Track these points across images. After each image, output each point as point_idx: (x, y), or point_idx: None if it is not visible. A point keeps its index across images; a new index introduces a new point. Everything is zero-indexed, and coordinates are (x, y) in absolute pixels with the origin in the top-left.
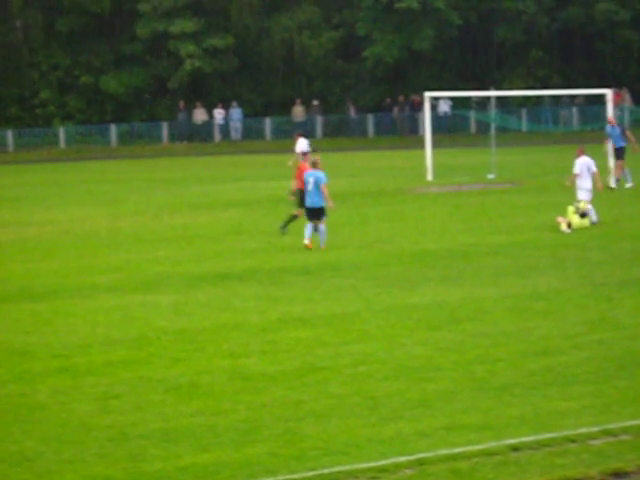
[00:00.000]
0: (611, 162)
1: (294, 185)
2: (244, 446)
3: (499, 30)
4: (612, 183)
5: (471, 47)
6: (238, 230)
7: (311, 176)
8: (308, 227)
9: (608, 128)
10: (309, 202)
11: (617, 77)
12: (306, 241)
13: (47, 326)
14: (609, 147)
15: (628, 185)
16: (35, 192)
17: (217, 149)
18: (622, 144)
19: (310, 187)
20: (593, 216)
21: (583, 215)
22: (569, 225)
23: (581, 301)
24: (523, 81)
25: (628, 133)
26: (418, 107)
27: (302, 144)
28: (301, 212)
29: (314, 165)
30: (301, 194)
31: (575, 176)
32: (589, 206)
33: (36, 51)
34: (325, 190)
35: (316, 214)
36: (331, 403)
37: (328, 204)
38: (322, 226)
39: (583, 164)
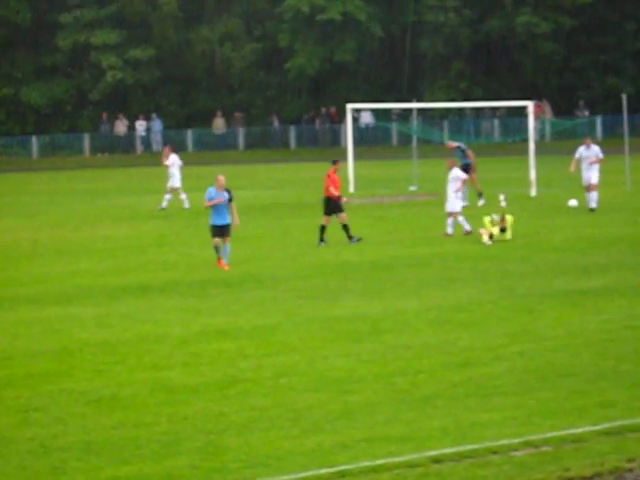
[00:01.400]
0: (532, 174)
1: (325, 192)
2: (166, 459)
3: (421, 42)
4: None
5: (393, 59)
6: (160, 242)
7: (221, 196)
8: (218, 248)
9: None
10: (215, 219)
11: (538, 89)
12: (221, 263)
13: None
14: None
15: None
16: None
17: (139, 161)
18: (467, 161)
19: (218, 206)
20: (450, 229)
21: (502, 230)
22: (491, 237)
23: (503, 313)
24: (445, 93)
25: (469, 153)
26: (337, 119)
27: (173, 158)
28: (327, 220)
29: (220, 185)
30: (327, 202)
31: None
32: (461, 217)
33: None
34: (233, 207)
35: (223, 232)
36: (252, 415)
37: (235, 222)
38: (228, 244)
39: (454, 176)
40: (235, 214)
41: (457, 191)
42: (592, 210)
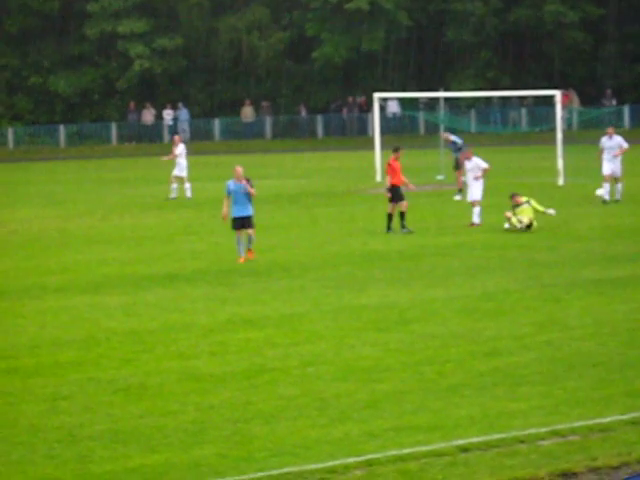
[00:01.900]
0: (560, 163)
1: (387, 182)
2: (193, 447)
3: (448, 31)
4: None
5: (420, 48)
6: (187, 231)
7: (239, 187)
8: (239, 242)
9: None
10: (237, 211)
11: (565, 78)
12: (241, 260)
13: None
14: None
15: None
16: None
17: (166, 150)
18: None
19: (238, 197)
20: (476, 218)
21: (529, 226)
22: (520, 221)
23: (530, 302)
24: (472, 82)
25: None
26: (366, 108)
27: (181, 148)
28: (393, 208)
29: (238, 176)
30: (393, 190)
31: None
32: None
33: None
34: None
35: (244, 223)
36: (280, 404)
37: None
38: (252, 235)
39: (474, 165)
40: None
41: (477, 179)
42: (617, 201)
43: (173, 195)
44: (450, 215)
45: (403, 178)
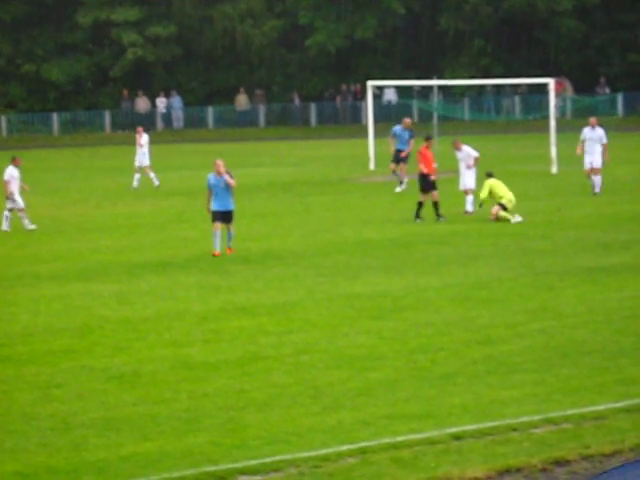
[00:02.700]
0: (553, 151)
1: (421, 169)
2: (186, 435)
3: (442, 19)
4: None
5: (414, 36)
6: (180, 219)
7: (220, 181)
8: (216, 235)
9: (398, 129)
10: (217, 205)
11: (559, 66)
12: (216, 252)
13: None
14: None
15: (398, 189)
16: None
17: (159, 138)
18: (405, 148)
19: (219, 191)
20: (469, 206)
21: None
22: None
23: (523, 290)
24: (466, 70)
25: (412, 142)
26: (360, 96)
27: (145, 138)
28: (425, 197)
29: (218, 170)
30: (423, 179)
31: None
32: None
33: None
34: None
35: (225, 217)
36: (273, 392)
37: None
38: (232, 230)
39: (465, 154)
40: (233, 182)
41: (469, 168)
42: (596, 194)
43: (135, 184)
44: (443, 203)
45: (424, 168)
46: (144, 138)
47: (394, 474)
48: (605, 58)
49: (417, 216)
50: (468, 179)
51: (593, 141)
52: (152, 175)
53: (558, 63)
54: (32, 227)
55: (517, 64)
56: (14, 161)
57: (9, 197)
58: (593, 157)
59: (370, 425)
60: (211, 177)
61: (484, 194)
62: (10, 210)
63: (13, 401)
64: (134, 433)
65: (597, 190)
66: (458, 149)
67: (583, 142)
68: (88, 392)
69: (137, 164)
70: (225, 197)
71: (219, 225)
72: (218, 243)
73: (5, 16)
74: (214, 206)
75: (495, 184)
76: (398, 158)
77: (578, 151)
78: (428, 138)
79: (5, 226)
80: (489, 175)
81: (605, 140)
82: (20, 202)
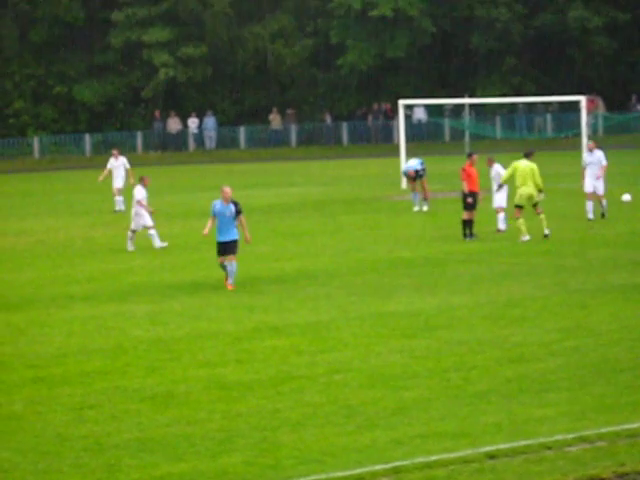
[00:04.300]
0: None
1: (464, 187)
2: (220, 455)
3: (473, 37)
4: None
5: (445, 54)
6: (212, 239)
7: (226, 209)
8: (224, 267)
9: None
10: (222, 236)
11: (591, 84)
12: (229, 285)
13: (22, 336)
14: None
15: (416, 208)
16: (9, 202)
17: (191, 158)
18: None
19: (223, 220)
20: (502, 224)
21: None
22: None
23: (556, 308)
24: (497, 88)
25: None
26: (391, 115)
27: (122, 160)
28: (472, 214)
29: (226, 197)
30: (470, 196)
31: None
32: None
33: (10, 61)
34: (243, 221)
35: (227, 249)
36: (307, 412)
37: (246, 237)
38: (233, 263)
39: (496, 172)
40: (245, 228)
41: (500, 187)
42: (603, 218)
43: (119, 207)
44: (476, 222)
45: (466, 186)
46: (120, 160)
47: None
48: (637, 75)
49: (464, 234)
50: (499, 197)
51: (594, 165)
52: (120, 199)
53: (590, 80)
54: (162, 245)
55: (548, 82)
56: (142, 181)
57: (139, 216)
58: (597, 182)
59: (404, 444)
60: (217, 204)
61: (507, 175)
62: (141, 229)
63: (47, 422)
64: (168, 453)
65: (604, 213)
66: (490, 166)
67: (584, 168)
68: (122, 413)
69: (117, 186)
70: (229, 227)
71: (222, 258)
72: (227, 270)
73: (37, 38)
74: (218, 236)
75: (520, 167)
76: (414, 177)
77: (582, 180)
78: (470, 155)
79: (158, 244)
80: (526, 155)
81: (604, 162)
82: (149, 220)
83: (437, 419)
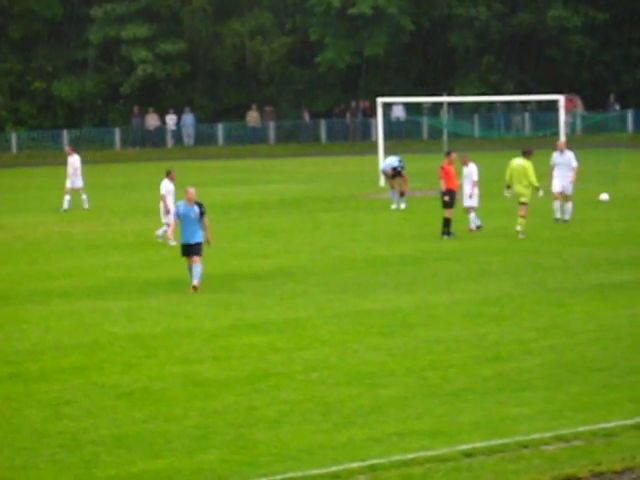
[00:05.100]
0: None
1: (442, 186)
2: (196, 452)
3: (452, 36)
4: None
5: (424, 53)
6: None
7: (190, 211)
8: (189, 269)
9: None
10: (185, 238)
11: (569, 83)
12: (191, 289)
13: None
14: None
15: (394, 206)
16: None
17: (169, 154)
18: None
19: (188, 221)
20: (476, 221)
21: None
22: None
23: (533, 307)
24: (476, 87)
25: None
26: (369, 112)
27: (75, 160)
28: (450, 212)
29: (189, 198)
30: (448, 194)
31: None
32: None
33: None
34: (206, 222)
35: (191, 251)
36: (283, 409)
37: (207, 238)
38: (198, 265)
39: (470, 171)
40: (208, 231)
41: (473, 186)
42: (565, 222)
43: (66, 206)
44: (453, 220)
45: (443, 185)
46: (74, 157)
47: None
48: (615, 75)
49: (448, 233)
50: (469, 197)
51: (563, 165)
52: (68, 197)
53: (568, 80)
54: (172, 243)
55: (527, 81)
56: (169, 175)
57: (168, 211)
58: (565, 182)
59: (381, 442)
60: (181, 205)
61: (506, 175)
62: (168, 225)
63: (23, 418)
64: (144, 450)
65: (567, 217)
66: (465, 164)
67: (552, 168)
68: (98, 409)
69: (69, 185)
70: (194, 228)
71: (189, 259)
72: (193, 276)
73: (15, 33)
74: (182, 238)
75: (513, 166)
76: (392, 175)
77: (548, 180)
78: (449, 153)
79: (172, 242)
80: (524, 153)
81: (575, 163)
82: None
83: (414, 417)
